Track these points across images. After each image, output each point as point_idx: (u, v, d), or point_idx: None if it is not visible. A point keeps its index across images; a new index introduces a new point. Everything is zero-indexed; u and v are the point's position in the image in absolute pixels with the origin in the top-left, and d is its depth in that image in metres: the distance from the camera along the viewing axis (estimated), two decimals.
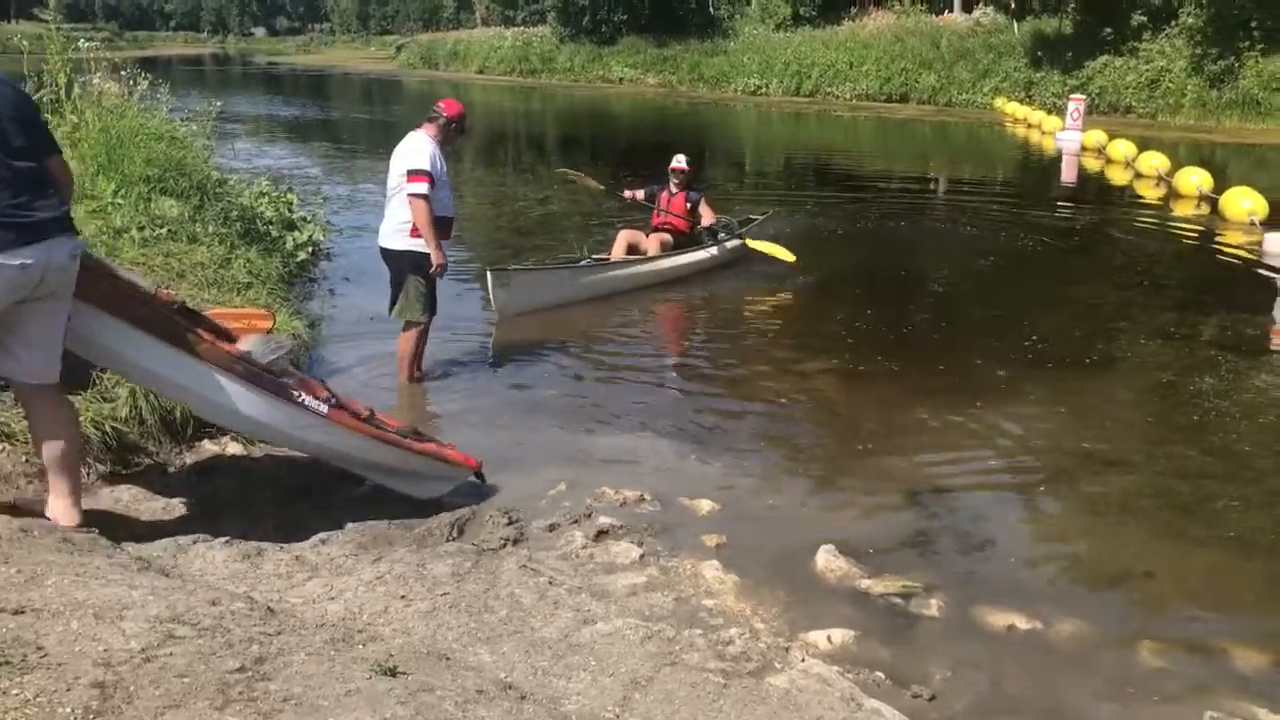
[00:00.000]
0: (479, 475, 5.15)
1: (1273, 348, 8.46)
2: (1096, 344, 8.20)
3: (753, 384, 7.32)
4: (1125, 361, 7.88)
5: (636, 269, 9.67)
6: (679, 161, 10.20)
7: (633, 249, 9.88)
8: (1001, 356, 7.78)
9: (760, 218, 11.71)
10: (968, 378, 7.35)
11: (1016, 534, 5.15)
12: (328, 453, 4.77)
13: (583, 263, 9.57)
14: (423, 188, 6.49)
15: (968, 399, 6.85)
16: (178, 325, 4.28)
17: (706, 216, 10.35)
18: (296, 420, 4.49)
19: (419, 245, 6.61)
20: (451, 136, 6.89)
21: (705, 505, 5.15)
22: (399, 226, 6.64)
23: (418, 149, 6.61)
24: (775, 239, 10.98)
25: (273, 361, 4.52)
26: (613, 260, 9.67)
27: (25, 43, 12.36)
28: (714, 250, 10.36)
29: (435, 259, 6.62)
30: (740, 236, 10.66)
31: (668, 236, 10.07)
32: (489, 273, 8.29)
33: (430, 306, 6.87)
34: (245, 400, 4.37)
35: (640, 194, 10.30)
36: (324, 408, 4.50)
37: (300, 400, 4.45)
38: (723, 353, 8.13)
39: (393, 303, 6.93)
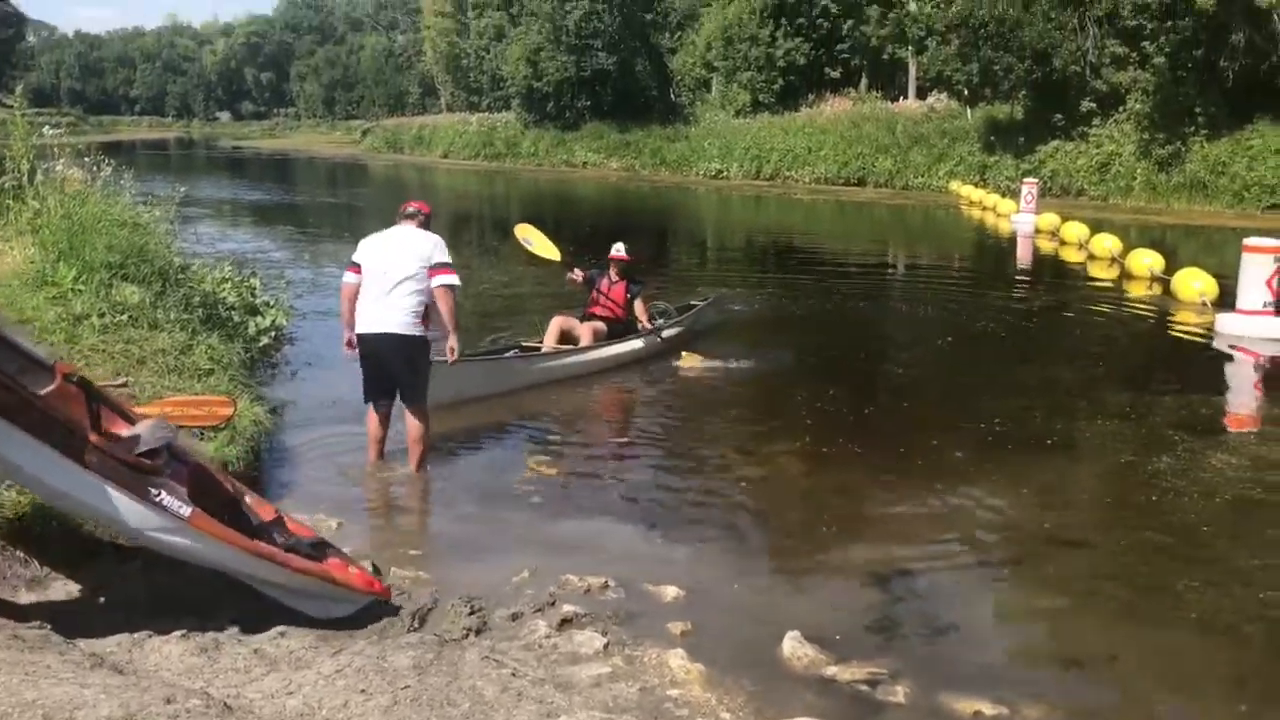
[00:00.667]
0: (385, 600, 4.73)
1: None
2: (1055, 424, 8.29)
3: (715, 466, 7.32)
4: (1084, 441, 7.97)
5: (570, 360, 9.45)
6: (618, 250, 10.10)
7: (566, 335, 9.70)
8: (962, 437, 7.85)
9: (702, 303, 11.67)
10: (929, 459, 7.39)
11: (981, 617, 5.15)
12: (196, 560, 4.32)
13: (509, 353, 9.38)
14: (456, 279, 6.74)
15: (929, 480, 6.88)
16: (18, 399, 3.84)
17: (641, 314, 10.17)
18: (151, 521, 4.06)
19: (423, 332, 6.73)
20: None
21: (670, 591, 5.12)
22: (411, 313, 6.65)
23: (436, 243, 6.77)
24: (724, 325, 11.09)
25: (153, 451, 4.16)
26: (545, 351, 9.45)
27: None
28: (652, 339, 10.15)
29: (456, 345, 6.90)
30: (664, 333, 10.35)
31: (602, 325, 9.87)
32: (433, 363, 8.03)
33: None
34: (92, 492, 3.95)
35: (581, 277, 10.19)
36: (185, 510, 4.06)
37: (157, 499, 4.02)
38: (684, 434, 8.15)
39: (377, 388, 6.87)
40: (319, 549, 4.68)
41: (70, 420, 4.00)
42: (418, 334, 6.71)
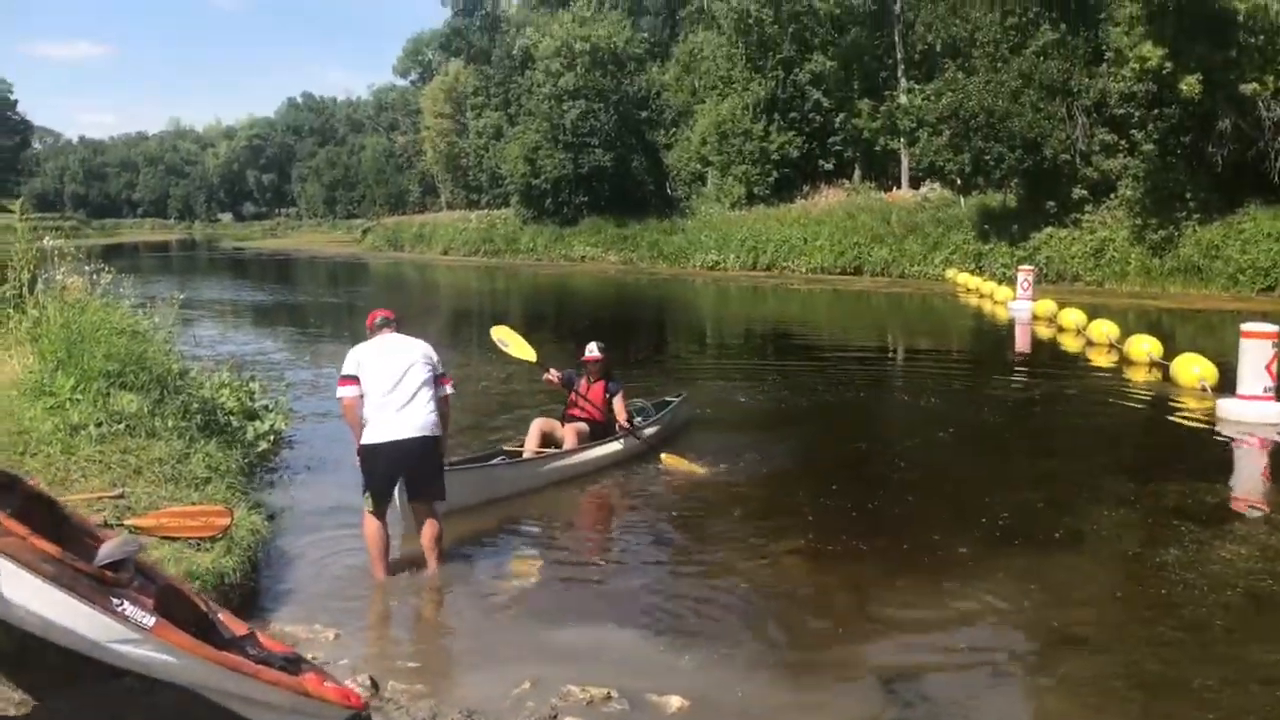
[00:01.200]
0: (362, 716, 4.58)
1: None
2: (1060, 516, 8.20)
3: (717, 567, 7.21)
4: (1090, 534, 7.87)
5: (556, 464, 9.22)
6: (591, 351, 9.83)
7: (547, 437, 9.50)
8: (967, 532, 7.75)
9: (676, 399, 11.48)
10: (935, 556, 7.29)
11: (988, 719, 5.04)
12: (162, 675, 4.15)
13: (495, 460, 9.17)
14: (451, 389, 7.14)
15: (935, 578, 6.79)
16: None
17: (620, 414, 9.91)
18: (113, 632, 3.91)
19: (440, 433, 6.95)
20: None
21: (675, 702, 5.01)
22: (435, 414, 6.85)
23: (430, 349, 7.06)
24: (719, 418, 10.97)
25: (116, 563, 4.06)
26: (528, 457, 9.24)
27: None
28: (631, 440, 9.94)
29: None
30: (644, 433, 10.19)
31: (584, 426, 9.64)
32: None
33: None
34: (49, 603, 3.82)
35: (558, 378, 9.89)
36: (149, 620, 3.92)
37: (119, 609, 3.89)
38: (683, 534, 8.03)
39: (385, 498, 6.83)
40: (293, 664, 4.58)
41: (32, 535, 3.90)
42: (438, 434, 6.89)
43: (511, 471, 8.94)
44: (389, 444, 6.69)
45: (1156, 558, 7.13)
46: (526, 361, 10.19)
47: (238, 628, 4.63)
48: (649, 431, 10.26)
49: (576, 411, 9.78)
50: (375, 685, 5.06)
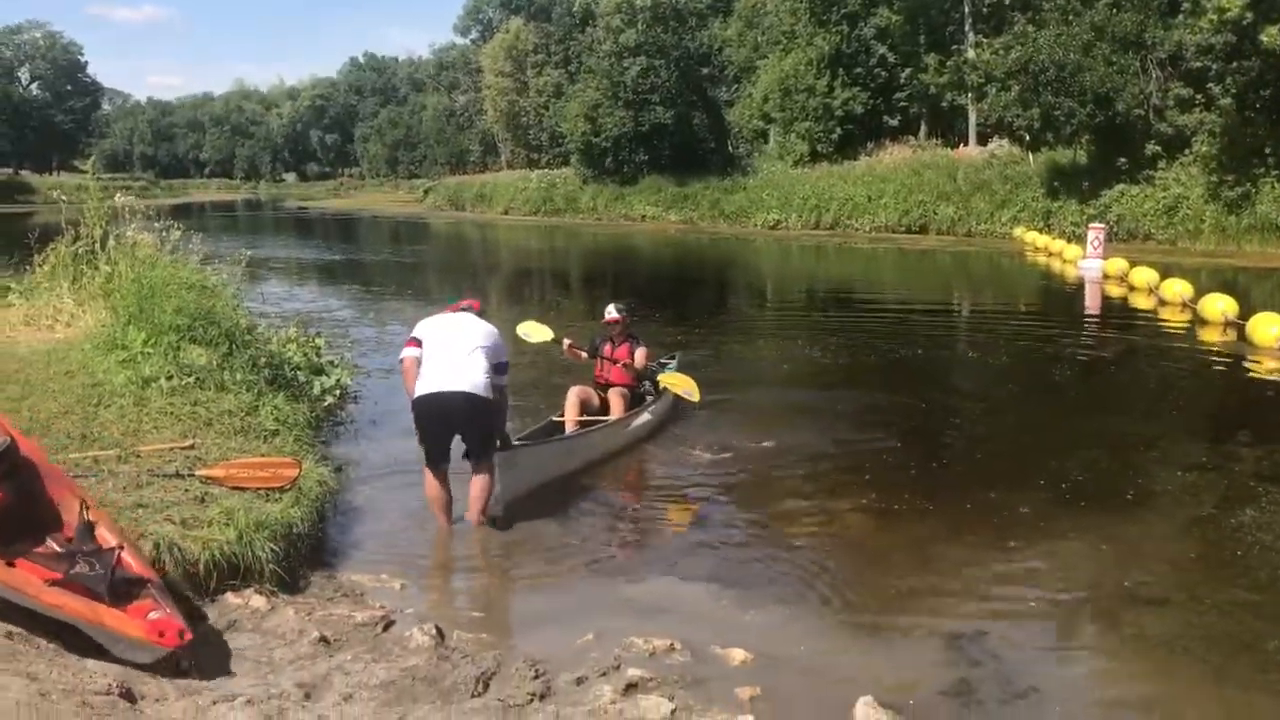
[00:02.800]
0: (180, 650, 4.44)
1: None
2: (1131, 477, 8.06)
3: (780, 525, 7.18)
4: (1161, 495, 7.72)
5: (623, 430, 9.02)
6: (611, 313, 9.47)
7: (585, 405, 9.18)
8: (1035, 492, 7.64)
9: (670, 360, 11.15)
10: (1001, 515, 7.20)
11: (1060, 679, 4.96)
12: None
13: (569, 431, 8.85)
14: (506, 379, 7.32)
15: (1002, 537, 6.71)
16: None
17: (637, 361, 9.50)
18: None
19: (492, 396, 7.05)
20: None
21: (738, 655, 5.00)
22: (484, 375, 6.94)
23: (502, 344, 7.28)
24: (785, 377, 10.83)
25: None
26: (598, 425, 8.90)
27: (65, 195, 12.78)
28: (667, 398, 9.76)
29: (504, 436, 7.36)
30: (652, 378, 9.88)
31: (625, 391, 9.36)
32: (497, 454, 7.19)
33: None
34: None
35: (584, 353, 9.64)
36: None
37: None
38: (746, 493, 7.97)
39: (438, 451, 6.96)
40: (127, 589, 4.53)
41: None
42: (487, 395, 6.90)
43: (583, 442, 8.63)
44: (433, 395, 6.82)
45: (1231, 519, 6.97)
46: (545, 342, 10.04)
47: (108, 539, 4.69)
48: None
49: (605, 378, 9.49)
50: (441, 634, 5.12)
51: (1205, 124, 28.24)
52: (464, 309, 7.33)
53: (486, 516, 6.97)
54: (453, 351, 6.92)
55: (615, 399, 9.25)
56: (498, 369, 7.07)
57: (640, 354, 9.51)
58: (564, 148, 59.40)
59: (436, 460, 6.93)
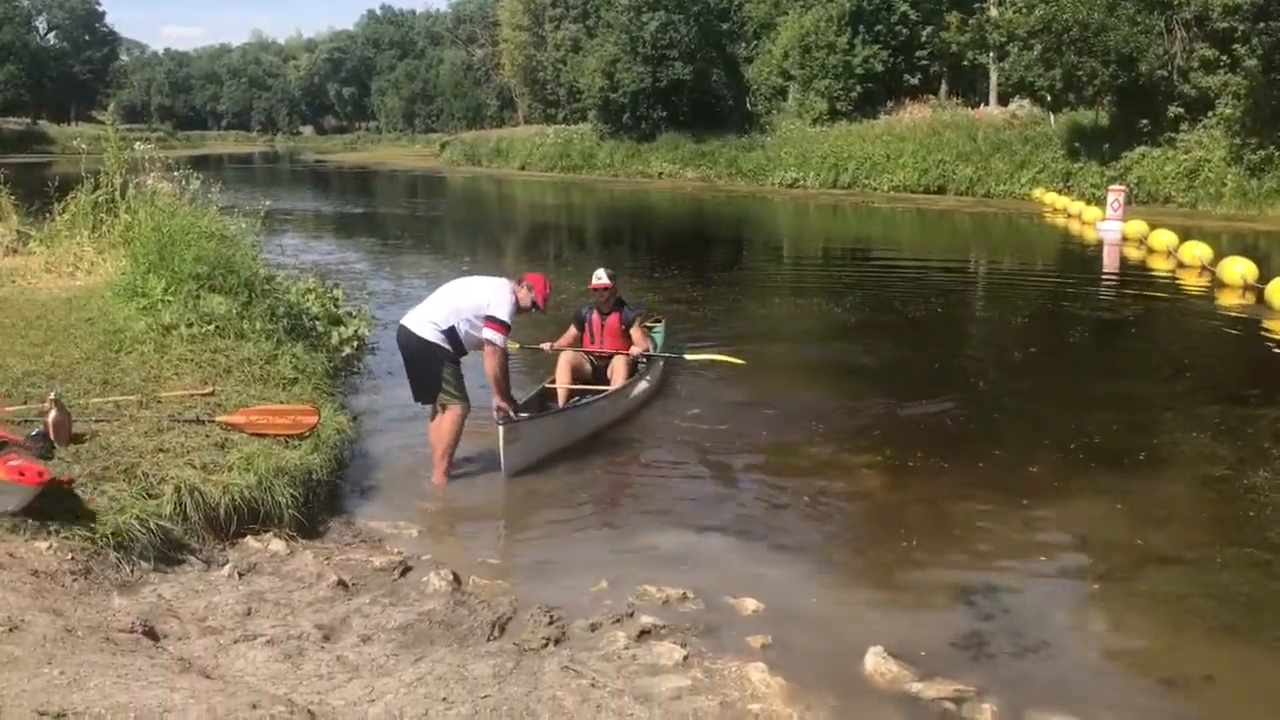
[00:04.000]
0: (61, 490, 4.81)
1: None
2: (1145, 438, 8.06)
3: (794, 478, 7.22)
4: (1175, 455, 7.73)
5: (624, 399, 8.58)
6: (599, 278, 8.80)
7: (577, 372, 8.72)
8: (1049, 451, 7.66)
9: (656, 324, 10.58)
10: (1014, 473, 7.22)
11: (1071, 634, 5.00)
12: None
13: (574, 400, 8.42)
14: (496, 337, 6.90)
15: (1015, 495, 6.73)
16: None
17: (642, 343, 8.94)
18: None
19: (444, 344, 6.89)
20: (524, 312, 7.31)
21: (750, 604, 5.06)
22: (439, 327, 6.90)
23: (496, 294, 7.01)
24: (800, 334, 10.85)
25: None
26: (600, 395, 8.39)
27: (84, 145, 12.81)
28: (659, 364, 9.35)
29: (503, 405, 7.03)
30: (679, 352, 9.63)
31: (626, 357, 8.78)
32: (501, 427, 6.89)
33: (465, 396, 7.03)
34: None
35: (566, 338, 8.97)
36: None
37: None
38: (760, 447, 7.99)
39: (415, 389, 7.12)
40: None
41: None
42: (434, 341, 6.90)
43: (587, 413, 8.16)
44: (399, 328, 7.13)
45: (1245, 480, 6.97)
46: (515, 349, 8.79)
47: None
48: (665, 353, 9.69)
49: (598, 348, 8.88)
50: (457, 580, 5.19)
51: (1230, 86, 27.83)
52: (518, 281, 7.30)
53: (445, 474, 6.94)
54: (433, 297, 7.15)
55: (620, 365, 8.69)
56: (487, 324, 6.88)
57: (637, 331, 8.92)
58: (581, 103, 58.96)
59: (418, 397, 7.17)
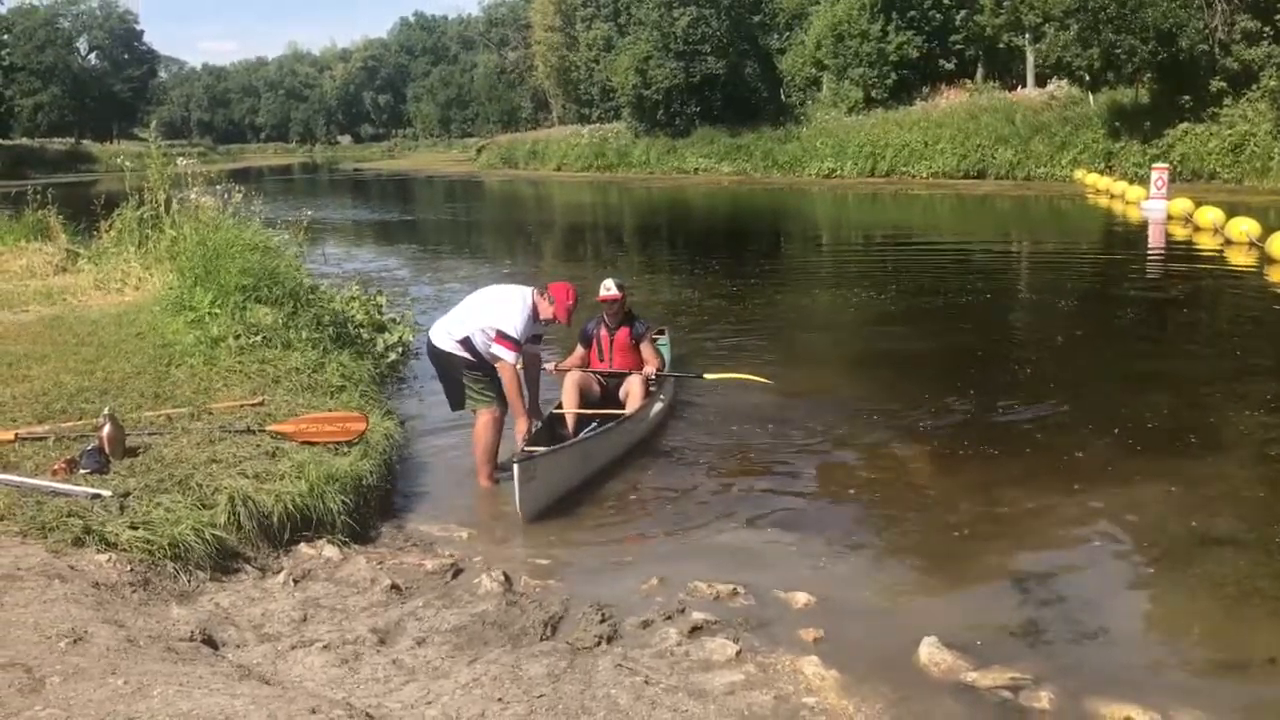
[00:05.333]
0: None
1: None
2: (1198, 418, 7.95)
3: (840, 469, 7.20)
4: (1228, 435, 7.61)
5: (641, 422, 7.87)
6: (609, 289, 8.11)
7: (585, 395, 7.99)
8: (1099, 434, 7.57)
9: (660, 335, 9.72)
10: (1064, 458, 7.14)
11: (1128, 619, 4.95)
12: None
13: (589, 428, 7.60)
14: (508, 354, 6.71)
15: (1066, 480, 6.66)
16: None
17: (654, 361, 8.27)
18: None
19: (466, 355, 6.86)
20: (547, 320, 7.15)
21: (801, 598, 5.05)
22: (456, 339, 6.90)
23: (508, 310, 6.83)
24: (837, 324, 10.77)
25: None
26: (615, 420, 7.59)
27: (128, 162, 13.03)
28: (671, 382, 8.68)
29: (523, 426, 6.84)
30: (696, 371, 8.90)
31: (640, 378, 8.06)
32: (515, 466, 6.16)
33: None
34: None
35: (574, 358, 8.33)
36: None
37: None
38: (805, 439, 7.92)
39: (447, 391, 7.16)
40: None
41: None
42: (453, 353, 6.90)
43: (605, 442, 7.35)
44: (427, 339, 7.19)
45: None
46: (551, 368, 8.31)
47: None
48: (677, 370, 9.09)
49: (608, 365, 8.22)
50: (509, 581, 5.22)
51: (1273, 57, 27.31)
52: (541, 292, 7.10)
53: (491, 477, 6.82)
54: (457, 307, 7.15)
55: (636, 386, 7.94)
56: (495, 340, 6.70)
57: (647, 348, 8.28)
58: (615, 102, 59.05)
59: (451, 404, 7.20)
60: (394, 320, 10.98)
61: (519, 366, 6.85)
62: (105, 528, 4.77)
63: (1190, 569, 5.43)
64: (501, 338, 6.70)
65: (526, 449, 6.59)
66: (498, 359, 6.73)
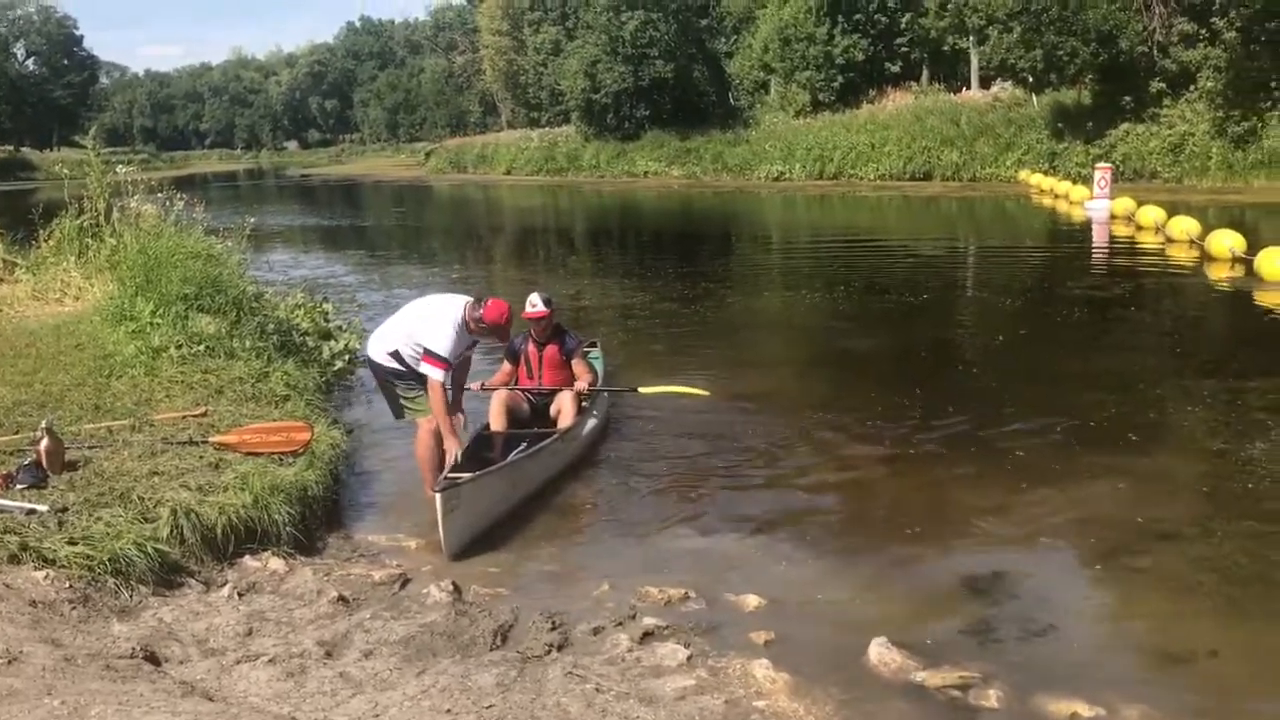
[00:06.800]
0: None
1: None
2: (1141, 414, 8.06)
3: (790, 471, 7.20)
4: (1172, 431, 7.74)
5: (573, 440, 7.48)
6: (535, 305, 7.73)
7: (513, 414, 7.59)
8: (1046, 432, 7.66)
9: (591, 347, 9.44)
10: (1013, 456, 7.20)
11: (1074, 616, 4.99)
12: None
13: (519, 449, 7.03)
14: (436, 373, 6.41)
15: (1014, 479, 6.73)
16: None
17: (583, 375, 7.90)
18: None
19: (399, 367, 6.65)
20: (480, 335, 6.84)
21: (752, 600, 5.05)
22: (388, 353, 6.70)
23: (443, 330, 6.49)
24: (790, 326, 10.83)
25: None
26: (546, 438, 7.16)
27: (67, 170, 12.79)
28: (604, 396, 8.39)
29: (451, 448, 6.45)
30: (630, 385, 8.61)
31: (572, 392, 7.72)
32: (437, 497, 5.72)
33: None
34: None
35: (501, 375, 7.97)
36: None
37: None
38: (755, 442, 7.90)
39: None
40: None
41: None
42: (384, 364, 6.69)
43: (536, 463, 6.90)
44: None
45: (1242, 452, 6.99)
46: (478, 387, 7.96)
47: None
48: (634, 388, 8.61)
49: (537, 383, 7.87)
50: (458, 590, 5.17)
51: (1210, 59, 27.91)
52: (477, 304, 6.71)
53: (435, 483, 6.02)
54: (390, 319, 6.95)
55: (568, 403, 7.60)
56: (423, 358, 6.46)
57: (579, 364, 7.97)
58: (564, 106, 58.99)
59: (393, 414, 7.00)
60: (340, 327, 10.87)
61: (446, 384, 6.54)
62: (42, 544, 4.66)
63: (1136, 564, 5.51)
64: (430, 356, 6.42)
65: (449, 476, 6.16)
66: (428, 377, 6.43)
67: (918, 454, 7.39)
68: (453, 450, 6.46)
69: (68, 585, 4.49)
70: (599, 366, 9.03)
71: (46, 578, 4.47)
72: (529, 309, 7.76)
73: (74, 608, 4.38)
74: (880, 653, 4.43)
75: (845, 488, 6.88)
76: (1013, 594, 5.18)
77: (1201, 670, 4.46)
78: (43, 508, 5.01)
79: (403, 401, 6.75)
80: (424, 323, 6.60)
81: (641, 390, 8.37)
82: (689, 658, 4.36)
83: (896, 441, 7.63)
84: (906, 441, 7.62)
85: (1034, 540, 5.86)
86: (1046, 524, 6.05)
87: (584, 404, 7.91)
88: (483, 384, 7.93)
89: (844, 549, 5.93)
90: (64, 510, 5.04)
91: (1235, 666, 4.45)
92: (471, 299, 6.76)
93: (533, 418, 7.70)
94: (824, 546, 5.94)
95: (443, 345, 6.43)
